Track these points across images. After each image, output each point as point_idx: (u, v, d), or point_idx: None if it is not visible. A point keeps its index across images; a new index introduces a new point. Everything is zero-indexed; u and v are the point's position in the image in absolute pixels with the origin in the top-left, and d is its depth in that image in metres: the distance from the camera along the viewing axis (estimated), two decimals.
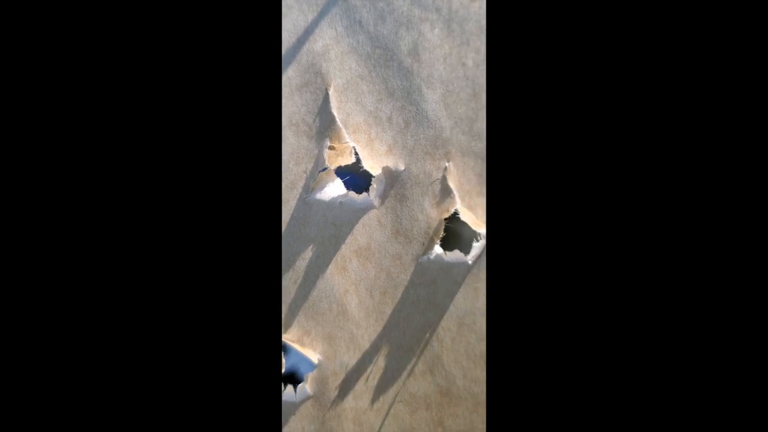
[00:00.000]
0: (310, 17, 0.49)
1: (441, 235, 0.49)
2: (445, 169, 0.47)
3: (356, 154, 0.49)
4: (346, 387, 0.51)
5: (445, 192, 0.48)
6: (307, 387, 0.51)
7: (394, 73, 0.48)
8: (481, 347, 0.48)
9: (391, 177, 0.48)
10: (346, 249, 0.50)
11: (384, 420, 0.50)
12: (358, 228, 0.49)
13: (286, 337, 0.51)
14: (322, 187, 0.50)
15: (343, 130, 0.49)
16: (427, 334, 0.49)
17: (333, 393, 0.51)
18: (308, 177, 0.50)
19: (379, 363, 0.49)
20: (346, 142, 0.49)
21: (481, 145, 0.47)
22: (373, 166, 0.49)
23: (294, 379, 0.55)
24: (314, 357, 0.51)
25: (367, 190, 0.49)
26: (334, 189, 0.50)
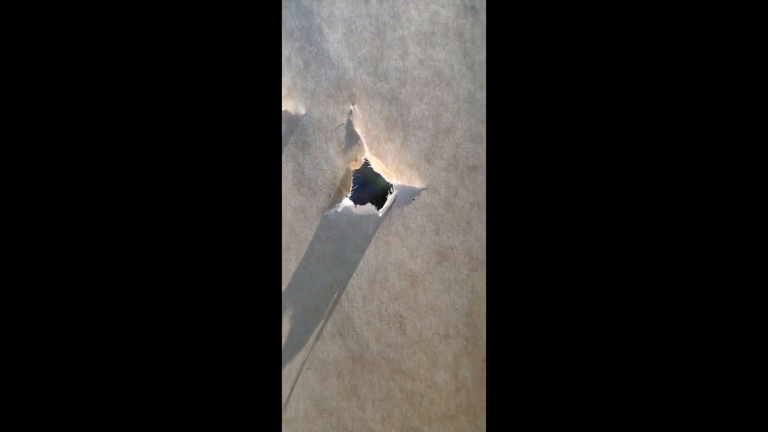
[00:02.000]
0: None
1: (350, 187, 0.45)
2: (350, 112, 0.44)
3: None
4: None
5: (352, 138, 0.44)
6: None
7: (292, 13, 0.44)
8: (396, 307, 0.45)
9: (291, 122, 0.44)
10: None
11: (292, 389, 0.46)
12: None
13: None
14: None
15: None
16: (336, 293, 0.45)
17: None
18: None
19: (285, 326, 0.45)
20: None
21: (387, 87, 0.44)
22: None
23: None
24: None
25: None
26: None
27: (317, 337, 0.45)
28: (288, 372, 0.46)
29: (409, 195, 0.44)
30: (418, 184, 0.44)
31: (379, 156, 0.44)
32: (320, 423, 0.46)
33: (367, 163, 0.45)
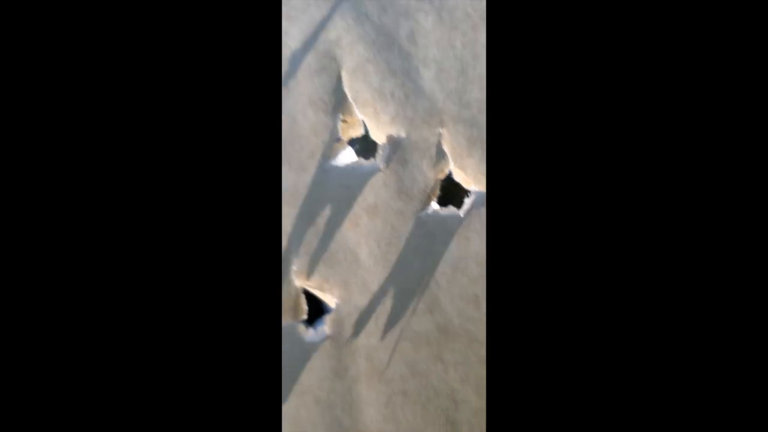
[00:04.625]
0: (325, 11, 0.58)
1: (437, 193, 0.57)
2: (440, 135, 0.55)
3: (365, 125, 0.58)
4: (359, 327, 0.59)
5: (440, 155, 0.56)
6: (325, 328, 0.60)
7: (395, 56, 0.56)
8: (473, 289, 0.56)
9: (394, 144, 0.56)
10: (358, 207, 0.58)
11: (391, 356, 0.58)
12: (367, 189, 0.58)
13: (309, 284, 0.60)
14: (337, 155, 0.59)
15: (354, 106, 0.57)
16: (426, 278, 0.57)
17: (348, 332, 0.59)
18: (325, 147, 0.59)
19: (386, 304, 0.57)
20: (356, 116, 0.58)
21: (469, 114, 0.55)
22: (378, 135, 0.57)
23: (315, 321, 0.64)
24: (332, 301, 0.60)
25: (374, 156, 0.58)
26: (347, 156, 0.59)
27: (412, 314, 0.57)
28: (389, 342, 0.58)
29: (484, 199, 0.55)
30: None
31: (462, 168, 0.56)
32: (412, 383, 0.57)
33: (451, 175, 0.56)
